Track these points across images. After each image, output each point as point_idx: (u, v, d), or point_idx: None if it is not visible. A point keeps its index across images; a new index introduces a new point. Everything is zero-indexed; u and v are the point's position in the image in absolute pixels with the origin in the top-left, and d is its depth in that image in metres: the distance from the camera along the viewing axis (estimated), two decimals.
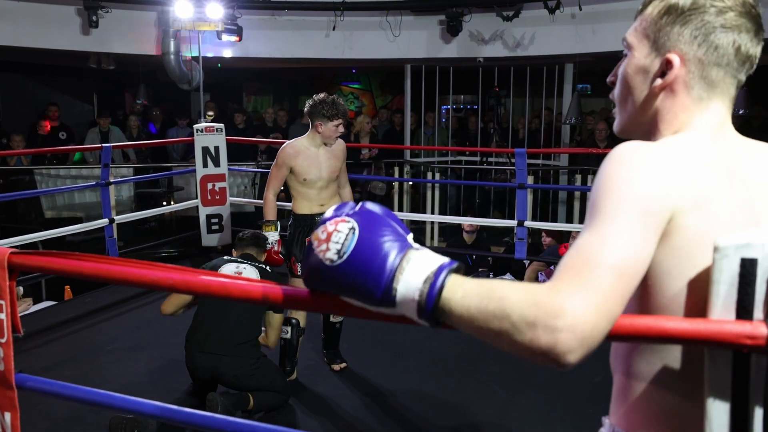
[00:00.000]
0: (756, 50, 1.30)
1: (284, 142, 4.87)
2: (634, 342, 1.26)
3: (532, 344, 1.02)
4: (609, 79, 1.45)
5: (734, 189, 1.23)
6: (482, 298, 1.08)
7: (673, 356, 1.23)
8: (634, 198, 1.14)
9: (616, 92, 1.43)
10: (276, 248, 4.60)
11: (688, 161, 1.21)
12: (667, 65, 1.31)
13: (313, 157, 4.63)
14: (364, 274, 1.16)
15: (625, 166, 1.18)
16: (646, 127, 1.38)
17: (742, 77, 1.33)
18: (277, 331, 4.27)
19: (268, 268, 4.35)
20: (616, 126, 1.45)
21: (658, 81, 1.33)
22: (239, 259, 4.32)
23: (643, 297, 1.23)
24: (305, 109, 4.65)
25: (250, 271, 4.20)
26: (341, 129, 4.62)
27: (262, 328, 4.29)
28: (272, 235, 4.63)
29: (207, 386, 4.08)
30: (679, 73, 1.31)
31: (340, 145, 4.78)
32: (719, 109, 1.32)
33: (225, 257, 4.39)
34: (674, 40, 1.31)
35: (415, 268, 1.14)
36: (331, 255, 1.19)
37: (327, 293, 1.28)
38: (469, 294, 1.10)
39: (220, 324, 4.05)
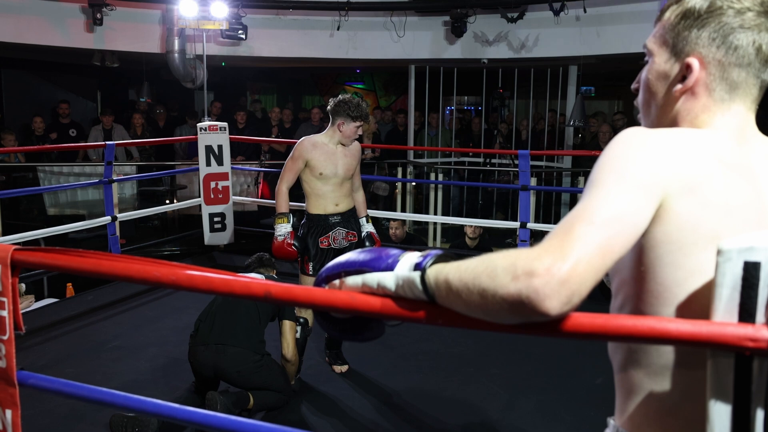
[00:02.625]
0: None
1: (288, 142, 4.89)
2: (636, 343, 1.27)
3: (510, 289, 1.05)
4: (633, 86, 1.47)
5: (743, 186, 1.24)
6: (474, 260, 1.14)
7: (671, 354, 1.25)
8: (627, 171, 1.17)
9: (639, 98, 1.45)
10: (288, 240, 4.59)
11: (689, 149, 1.23)
12: (687, 69, 1.33)
13: (330, 152, 4.64)
14: (378, 252, 1.33)
15: (624, 146, 1.22)
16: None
17: (767, 77, 1.32)
18: (288, 339, 4.26)
19: (274, 275, 4.38)
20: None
21: (679, 86, 1.34)
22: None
23: (639, 281, 1.25)
24: (328, 107, 4.64)
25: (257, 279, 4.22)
26: (360, 132, 4.64)
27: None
28: (284, 227, 4.61)
29: (209, 384, 4.08)
30: (700, 76, 1.32)
31: (356, 145, 4.80)
32: (740, 110, 1.33)
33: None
34: (693, 44, 1.32)
35: (417, 252, 1.29)
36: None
37: (329, 290, 1.39)
38: (463, 263, 1.17)
39: (227, 318, 4.05)
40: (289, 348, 4.27)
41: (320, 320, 1.48)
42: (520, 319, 1.10)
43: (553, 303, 1.03)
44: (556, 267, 1.03)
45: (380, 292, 1.31)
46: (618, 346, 1.37)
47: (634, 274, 1.26)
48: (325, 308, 1.42)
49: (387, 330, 1.49)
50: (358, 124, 4.60)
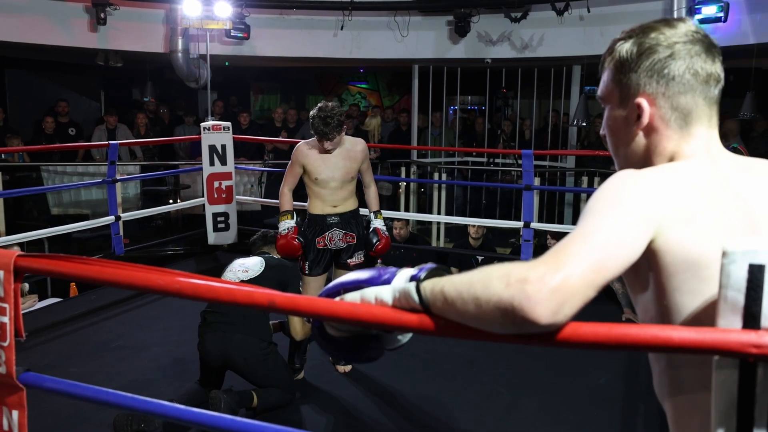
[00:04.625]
0: (714, 67, 1.38)
1: (292, 141, 4.88)
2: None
3: (502, 296, 1.08)
4: (601, 132, 1.57)
5: (731, 205, 1.29)
6: (470, 272, 1.17)
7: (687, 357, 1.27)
8: (622, 202, 1.23)
9: (608, 144, 1.54)
10: (292, 234, 4.61)
11: (678, 183, 1.29)
12: (639, 109, 1.40)
13: (325, 157, 4.62)
14: (377, 271, 1.39)
15: (618, 184, 1.28)
16: (642, 166, 1.44)
17: (714, 93, 1.39)
18: (294, 320, 4.32)
19: (275, 256, 4.37)
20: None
21: (636, 125, 1.42)
22: (249, 257, 4.42)
23: (666, 315, 1.29)
24: None
25: (254, 261, 4.29)
26: (326, 147, 4.57)
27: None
28: (288, 223, 4.66)
29: (215, 376, 4.10)
30: (652, 111, 1.39)
31: (359, 145, 4.77)
32: (701, 132, 1.40)
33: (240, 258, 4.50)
34: (635, 86, 1.40)
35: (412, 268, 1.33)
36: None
37: (332, 300, 1.42)
38: (458, 275, 1.21)
39: (234, 306, 4.06)
40: (296, 329, 4.37)
41: (318, 339, 1.50)
42: (511, 327, 1.11)
43: (544, 310, 1.05)
44: (548, 276, 1.06)
45: (378, 305, 1.34)
46: (660, 378, 1.39)
47: (659, 310, 1.30)
48: (328, 319, 1.42)
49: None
50: (319, 139, 4.57)
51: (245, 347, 3.99)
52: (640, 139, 1.43)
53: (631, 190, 1.25)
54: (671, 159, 1.39)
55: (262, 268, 4.23)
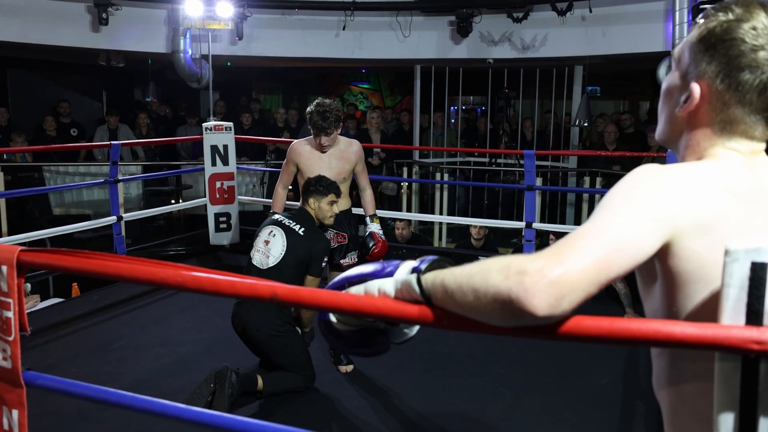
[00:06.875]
0: None
1: (292, 142, 4.91)
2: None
3: (500, 288, 1.07)
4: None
5: (759, 214, 1.23)
6: (471, 264, 1.17)
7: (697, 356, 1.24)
8: (637, 200, 1.18)
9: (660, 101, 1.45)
10: None
11: (702, 186, 1.22)
12: (690, 92, 1.32)
13: (317, 157, 4.66)
14: (381, 264, 1.40)
15: (638, 180, 1.22)
16: (676, 145, 1.40)
17: None
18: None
19: (301, 231, 4.37)
20: (656, 133, 1.48)
21: (680, 106, 1.35)
22: (280, 221, 4.45)
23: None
24: None
25: (277, 244, 4.35)
26: (323, 142, 4.63)
27: None
28: None
29: (250, 346, 4.34)
30: (700, 103, 1.31)
31: (353, 146, 4.79)
32: (743, 140, 1.31)
33: (274, 217, 4.56)
34: (702, 69, 1.31)
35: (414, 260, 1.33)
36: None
37: (334, 292, 1.43)
38: (459, 267, 1.20)
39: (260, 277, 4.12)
40: (303, 317, 4.49)
41: (324, 332, 1.50)
42: (510, 319, 1.11)
43: (540, 302, 1.04)
44: (548, 269, 1.05)
45: (381, 297, 1.35)
46: (659, 378, 1.37)
47: (667, 315, 1.26)
48: (331, 310, 1.43)
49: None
50: (315, 134, 4.61)
51: (260, 321, 4.18)
52: (679, 119, 1.36)
53: (651, 187, 1.19)
54: (702, 157, 1.33)
55: (283, 253, 4.30)
